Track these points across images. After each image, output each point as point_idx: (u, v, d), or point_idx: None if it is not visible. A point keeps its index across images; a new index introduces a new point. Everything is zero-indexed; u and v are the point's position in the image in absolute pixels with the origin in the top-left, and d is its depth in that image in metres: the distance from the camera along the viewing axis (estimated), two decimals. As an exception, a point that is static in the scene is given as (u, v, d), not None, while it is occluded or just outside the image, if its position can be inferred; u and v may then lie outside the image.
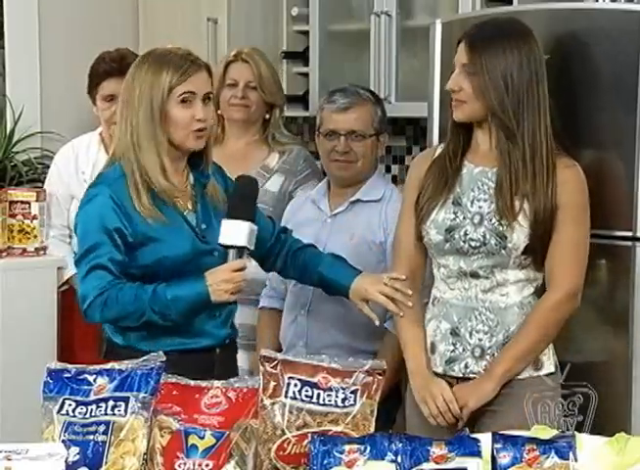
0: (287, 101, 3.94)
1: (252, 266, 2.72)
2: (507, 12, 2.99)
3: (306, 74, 3.95)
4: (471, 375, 2.53)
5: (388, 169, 4.08)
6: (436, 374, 2.56)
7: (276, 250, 2.81)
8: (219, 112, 3.39)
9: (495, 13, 2.98)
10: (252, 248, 2.54)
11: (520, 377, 2.50)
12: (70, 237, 3.64)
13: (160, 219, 2.55)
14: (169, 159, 2.57)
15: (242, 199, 2.59)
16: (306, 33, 3.91)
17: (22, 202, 3.64)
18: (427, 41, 3.08)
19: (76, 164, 3.61)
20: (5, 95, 4.14)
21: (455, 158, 2.56)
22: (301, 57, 4.01)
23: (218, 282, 2.52)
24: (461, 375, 2.54)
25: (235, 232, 2.50)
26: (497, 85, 2.44)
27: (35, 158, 4.08)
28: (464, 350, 2.53)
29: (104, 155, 3.57)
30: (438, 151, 2.63)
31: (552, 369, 2.54)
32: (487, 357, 2.51)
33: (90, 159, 3.62)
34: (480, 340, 2.52)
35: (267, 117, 3.40)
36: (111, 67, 3.53)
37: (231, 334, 2.76)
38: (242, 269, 2.53)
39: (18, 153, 4.11)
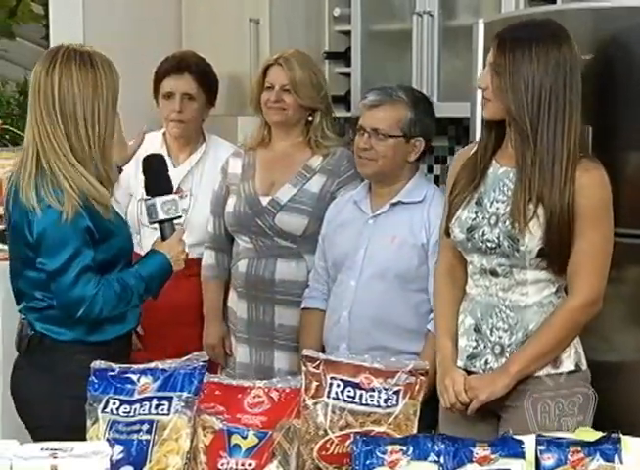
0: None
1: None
2: (550, 11, 2.96)
3: (348, 75, 3.94)
4: (491, 372, 2.53)
5: (430, 170, 4.07)
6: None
7: None
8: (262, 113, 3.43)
9: (538, 12, 2.96)
10: (182, 215, 2.87)
11: (538, 374, 2.49)
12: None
13: (116, 215, 2.73)
14: None
15: (156, 175, 2.85)
16: (348, 34, 3.91)
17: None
18: (469, 41, 3.07)
19: (137, 163, 3.62)
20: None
21: (485, 156, 2.56)
22: (343, 57, 4.01)
23: (177, 253, 2.78)
24: (481, 371, 2.55)
25: (168, 206, 2.78)
26: (517, 87, 2.41)
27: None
28: (485, 346, 2.54)
29: (165, 156, 3.60)
30: (474, 149, 2.63)
31: (571, 367, 2.52)
32: (507, 355, 2.51)
33: None
34: (500, 337, 2.52)
35: (310, 119, 3.41)
36: (170, 65, 3.64)
37: (140, 314, 2.90)
38: (183, 233, 2.84)
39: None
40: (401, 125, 3.03)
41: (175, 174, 3.54)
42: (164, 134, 3.70)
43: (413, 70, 3.59)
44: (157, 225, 2.94)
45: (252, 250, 3.39)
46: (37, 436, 2.63)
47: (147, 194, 2.83)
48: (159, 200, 2.79)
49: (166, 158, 3.55)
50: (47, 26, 4.89)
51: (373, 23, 3.85)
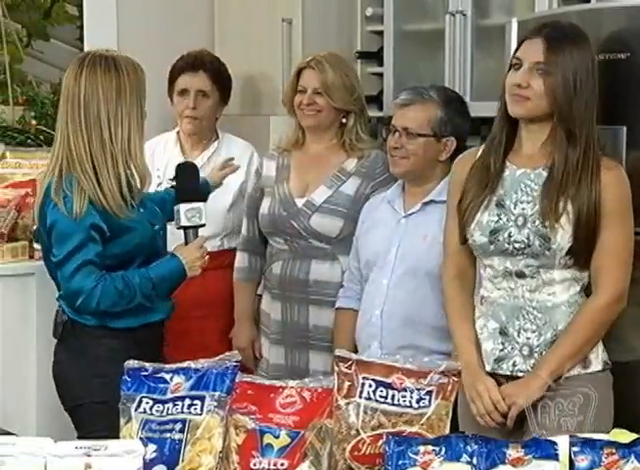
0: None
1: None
2: (584, 10, 2.95)
3: (381, 74, 3.94)
4: (519, 374, 2.53)
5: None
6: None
7: None
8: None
9: (573, 11, 2.94)
10: (206, 224, 2.93)
11: (568, 375, 2.49)
12: None
13: (125, 210, 2.78)
14: None
15: (186, 183, 2.98)
16: (381, 33, 3.90)
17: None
18: (502, 40, 3.05)
19: (152, 161, 3.65)
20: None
21: (498, 159, 2.57)
22: (376, 57, 4.00)
23: (193, 259, 2.87)
24: (509, 373, 2.54)
25: (192, 214, 2.88)
26: (568, 86, 2.44)
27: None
28: (512, 348, 2.54)
29: (179, 153, 3.71)
30: (479, 153, 2.63)
31: (599, 367, 2.53)
32: (536, 356, 2.51)
33: (165, 156, 3.71)
34: (529, 338, 2.52)
35: (344, 122, 3.40)
36: (185, 63, 3.70)
37: (174, 306, 3.02)
38: (204, 241, 2.93)
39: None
40: (431, 125, 3.03)
41: None
42: (178, 132, 3.76)
43: (445, 69, 3.58)
44: (172, 223, 3.09)
45: (287, 251, 3.39)
46: (75, 415, 2.88)
47: (176, 199, 2.93)
48: (183, 207, 2.89)
49: (179, 155, 3.67)
50: (81, 28, 4.91)
51: (405, 22, 3.84)
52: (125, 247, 2.81)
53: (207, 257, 2.94)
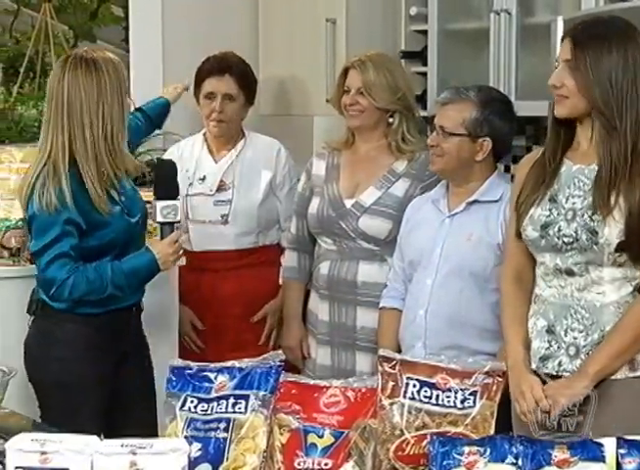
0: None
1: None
2: (631, 7, 2.92)
3: (425, 74, 3.93)
4: (564, 373, 2.50)
5: (507, 169, 4.03)
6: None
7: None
8: None
9: (618, 9, 2.91)
10: (181, 220, 3.05)
11: (615, 378, 2.45)
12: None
13: (108, 207, 2.92)
14: None
15: (168, 180, 3.04)
16: (425, 33, 3.89)
17: (146, 202, 3.70)
18: (548, 39, 3.03)
19: (181, 163, 3.63)
20: (130, 99, 4.23)
21: (554, 156, 2.55)
22: (419, 56, 3.99)
23: (166, 254, 2.97)
24: (554, 373, 2.51)
25: (167, 211, 2.97)
26: (601, 82, 2.42)
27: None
28: (559, 347, 2.51)
29: (207, 153, 3.72)
30: (540, 153, 2.63)
31: None
32: (582, 356, 2.48)
33: (193, 157, 3.72)
34: (575, 338, 2.49)
35: (391, 121, 3.39)
36: (211, 66, 3.67)
37: (144, 292, 3.14)
38: (180, 236, 3.01)
39: (141, 154, 4.20)
40: (466, 124, 3.01)
41: (216, 169, 3.69)
42: (205, 134, 3.76)
43: (490, 68, 3.56)
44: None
45: (335, 252, 3.38)
46: (35, 391, 3.05)
47: (153, 195, 3.02)
48: (159, 204, 2.98)
49: (207, 156, 3.70)
50: (127, 29, 4.95)
51: (449, 21, 3.83)
52: (101, 240, 2.96)
53: (183, 253, 3.04)
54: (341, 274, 3.34)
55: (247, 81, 3.69)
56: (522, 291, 2.64)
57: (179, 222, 3.05)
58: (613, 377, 2.45)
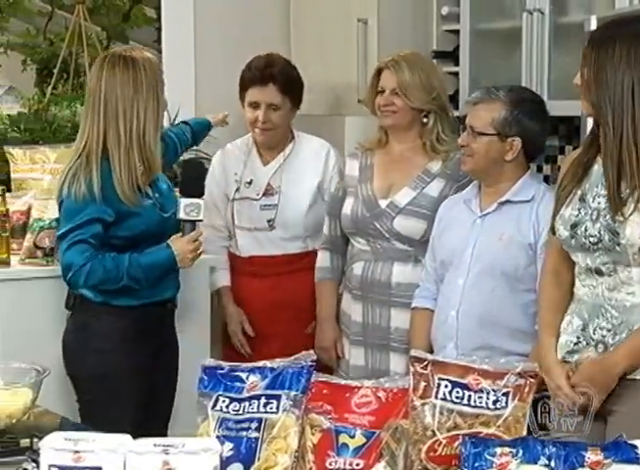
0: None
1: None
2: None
3: (456, 74, 3.91)
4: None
5: (539, 169, 4.01)
6: None
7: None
8: None
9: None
10: (202, 219, 3.09)
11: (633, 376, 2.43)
12: (230, 238, 3.70)
13: (136, 199, 3.02)
14: None
15: (193, 180, 3.16)
16: (457, 32, 3.87)
17: None
18: (581, 38, 3.00)
19: (229, 166, 3.69)
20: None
21: (588, 153, 2.53)
22: (451, 56, 3.98)
23: (185, 252, 3.05)
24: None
25: (190, 209, 3.04)
26: (600, 82, 2.40)
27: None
28: (587, 344, 2.50)
29: (256, 155, 3.68)
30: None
31: None
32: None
33: (241, 160, 3.68)
34: (604, 337, 2.48)
35: (425, 121, 3.38)
36: (254, 75, 3.58)
37: (179, 287, 3.24)
38: (200, 235, 3.09)
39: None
40: (494, 124, 3.00)
41: (264, 172, 3.65)
42: (253, 137, 3.68)
43: (522, 68, 3.54)
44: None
45: (369, 252, 3.37)
46: (73, 383, 3.15)
47: (179, 193, 3.12)
48: (183, 201, 3.06)
49: (256, 159, 3.66)
50: (159, 30, 4.97)
51: (481, 21, 3.81)
52: (132, 231, 3.05)
53: (201, 251, 3.13)
54: (375, 275, 3.33)
55: (291, 87, 3.60)
56: (559, 287, 2.62)
57: (201, 221, 3.10)
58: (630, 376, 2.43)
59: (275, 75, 3.55)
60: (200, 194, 3.10)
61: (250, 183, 3.64)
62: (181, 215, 3.06)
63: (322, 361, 3.35)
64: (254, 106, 3.57)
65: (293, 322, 3.58)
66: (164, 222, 3.13)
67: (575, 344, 2.52)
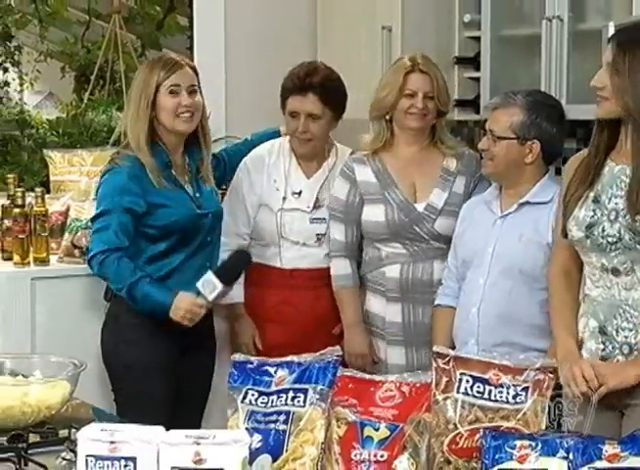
0: (458, 105, 3.91)
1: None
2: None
3: (477, 79, 3.90)
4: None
5: (557, 171, 3.98)
6: None
7: None
8: (387, 117, 3.33)
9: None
10: (210, 300, 3.06)
11: None
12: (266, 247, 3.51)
13: (167, 190, 3.10)
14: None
15: (231, 268, 3.15)
16: (478, 39, 3.86)
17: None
18: (599, 44, 2.99)
19: (265, 171, 3.49)
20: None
21: (597, 156, 2.51)
22: (473, 62, 3.96)
23: (181, 307, 3.03)
24: None
25: (207, 285, 3.04)
26: (635, 85, 2.37)
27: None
28: (613, 348, 2.47)
29: (296, 166, 3.49)
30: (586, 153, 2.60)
31: None
32: (635, 353, 2.44)
33: (281, 168, 3.48)
34: (627, 337, 2.45)
35: (434, 122, 3.36)
36: (293, 84, 3.41)
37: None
38: (202, 307, 3.05)
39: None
40: (513, 127, 2.99)
41: (311, 185, 3.46)
42: (290, 142, 3.50)
43: (542, 73, 3.51)
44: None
45: (406, 255, 3.30)
46: (107, 373, 3.22)
47: (217, 271, 3.09)
48: (207, 276, 3.05)
49: (297, 169, 3.48)
50: (191, 38, 4.98)
51: (502, 28, 3.79)
52: (165, 220, 3.10)
53: (199, 317, 3.08)
54: (415, 276, 3.28)
55: (332, 98, 3.40)
56: (570, 288, 2.61)
57: (209, 302, 3.06)
58: None
59: (314, 85, 3.37)
60: (229, 282, 3.10)
61: (299, 194, 3.45)
62: (198, 284, 3.05)
63: (354, 367, 3.06)
64: (294, 115, 3.40)
65: (321, 336, 3.30)
66: (198, 218, 3.15)
67: (603, 350, 2.49)
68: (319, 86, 3.37)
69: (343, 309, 3.41)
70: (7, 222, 3.83)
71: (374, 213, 3.32)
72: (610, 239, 2.45)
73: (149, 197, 3.08)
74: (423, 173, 3.33)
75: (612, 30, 2.92)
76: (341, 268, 3.41)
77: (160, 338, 3.11)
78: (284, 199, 3.44)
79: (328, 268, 3.43)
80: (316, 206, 3.45)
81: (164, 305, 3.03)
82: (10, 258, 3.78)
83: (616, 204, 2.46)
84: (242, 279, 3.37)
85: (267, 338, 3.45)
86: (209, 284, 3.04)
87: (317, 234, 3.43)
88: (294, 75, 3.43)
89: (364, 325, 3.38)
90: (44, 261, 3.74)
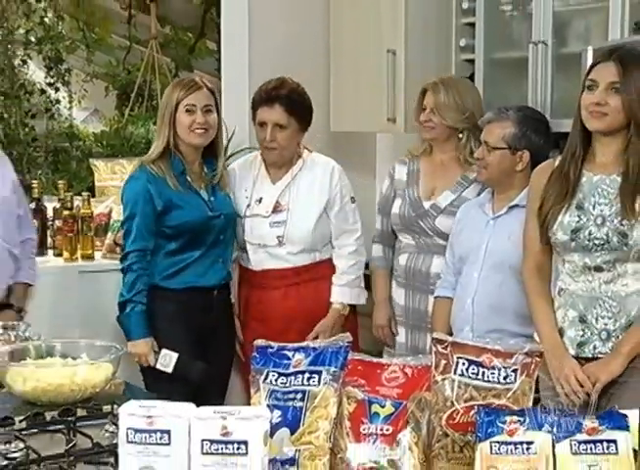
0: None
1: None
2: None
3: (472, 97, 3.88)
4: (599, 355, 2.48)
5: (543, 178, 3.97)
6: None
7: None
8: None
9: (642, 39, 2.85)
10: (159, 367, 3.12)
11: None
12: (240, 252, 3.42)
13: (182, 193, 3.13)
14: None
15: (185, 369, 3.11)
16: (472, 61, 3.85)
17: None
18: (579, 65, 2.98)
19: (239, 183, 3.39)
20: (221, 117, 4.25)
21: (576, 167, 2.51)
22: (468, 82, 3.95)
23: (136, 350, 3.11)
24: (590, 356, 2.49)
25: (165, 359, 3.10)
26: None
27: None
28: (592, 334, 2.49)
29: (264, 175, 3.38)
30: (557, 163, 2.58)
31: None
32: (613, 339, 2.46)
33: (251, 178, 3.38)
34: (606, 324, 2.47)
35: (460, 136, 3.32)
36: (261, 96, 3.31)
37: (226, 277, 3.27)
38: (149, 363, 3.13)
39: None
40: (506, 139, 3.00)
41: (273, 191, 3.34)
42: (261, 154, 3.39)
43: (529, 91, 3.51)
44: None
45: (414, 246, 3.35)
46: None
47: (179, 356, 3.12)
48: (166, 352, 3.11)
49: (265, 177, 3.35)
50: (219, 60, 4.98)
51: (494, 51, 3.78)
52: (179, 220, 3.11)
53: (146, 360, 3.14)
54: (417, 266, 3.31)
55: (297, 109, 3.27)
56: (544, 283, 2.62)
57: (169, 373, 3.11)
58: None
59: (281, 96, 3.25)
60: (177, 372, 3.11)
61: (260, 201, 3.33)
62: (164, 350, 3.11)
63: (378, 339, 3.40)
64: (262, 125, 3.28)
65: (305, 331, 3.22)
66: (210, 220, 3.16)
67: (582, 336, 2.49)
68: (285, 98, 3.26)
69: (375, 287, 3.47)
70: (57, 223, 3.86)
71: (395, 206, 3.39)
72: (597, 241, 2.45)
73: (165, 198, 3.11)
74: (445, 178, 3.34)
75: (590, 54, 2.91)
76: (375, 252, 3.49)
77: (180, 326, 3.13)
78: (248, 206, 3.34)
79: (293, 268, 3.32)
80: (275, 210, 3.31)
81: (130, 335, 3.11)
82: (60, 255, 3.82)
83: (601, 210, 2.45)
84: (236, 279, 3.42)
85: (250, 334, 3.26)
86: (165, 358, 3.10)
87: (277, 236, 3.30)
88: (262, 89, 3.32)
89: (388, 302, 3.42)
90: (90, 257, 3.76)
